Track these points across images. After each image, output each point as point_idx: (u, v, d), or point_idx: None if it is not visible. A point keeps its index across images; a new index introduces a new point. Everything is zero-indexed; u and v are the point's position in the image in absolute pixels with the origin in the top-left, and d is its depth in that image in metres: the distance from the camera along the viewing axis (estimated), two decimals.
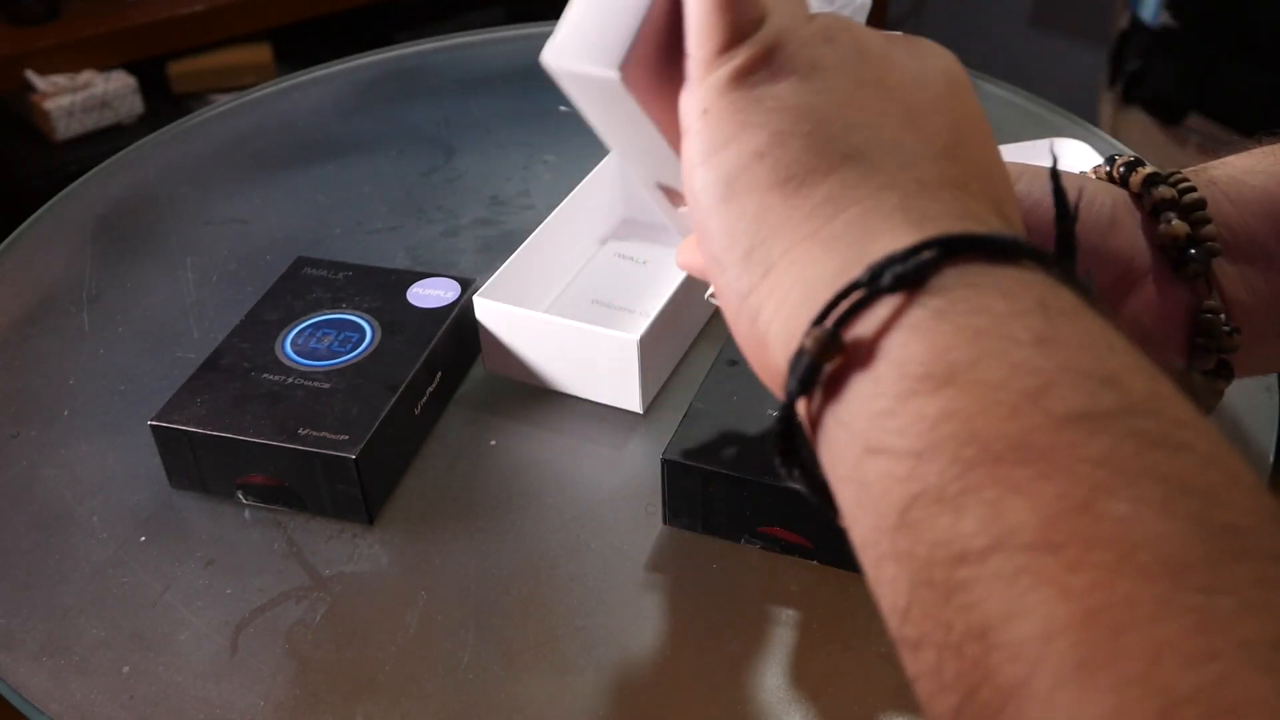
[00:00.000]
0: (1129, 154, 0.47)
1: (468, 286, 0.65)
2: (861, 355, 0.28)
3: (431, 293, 0.65)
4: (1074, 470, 0.24)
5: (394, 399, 0.58)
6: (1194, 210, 0.45)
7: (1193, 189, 0.45)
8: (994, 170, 0.33)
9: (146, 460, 0.60)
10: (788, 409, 0.30)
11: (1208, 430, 0.26)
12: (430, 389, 0.61)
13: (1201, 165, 0.48)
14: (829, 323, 0.28)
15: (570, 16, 0.36)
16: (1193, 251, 0.44)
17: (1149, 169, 0.46)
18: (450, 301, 0.64)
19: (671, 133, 0.37)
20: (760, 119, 0.32)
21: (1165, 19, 1.69)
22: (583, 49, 0.36)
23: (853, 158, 0.31)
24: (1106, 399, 0.25)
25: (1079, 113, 0.88)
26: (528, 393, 0.63)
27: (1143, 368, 0.27)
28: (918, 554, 0.26)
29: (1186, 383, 0.47)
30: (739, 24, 0.33)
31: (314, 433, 0.56)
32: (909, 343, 0.27)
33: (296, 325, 0.63)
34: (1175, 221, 0.44)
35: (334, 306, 0.64)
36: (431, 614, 0.49)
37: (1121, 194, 0.46)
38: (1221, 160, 0.48)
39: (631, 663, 0.51)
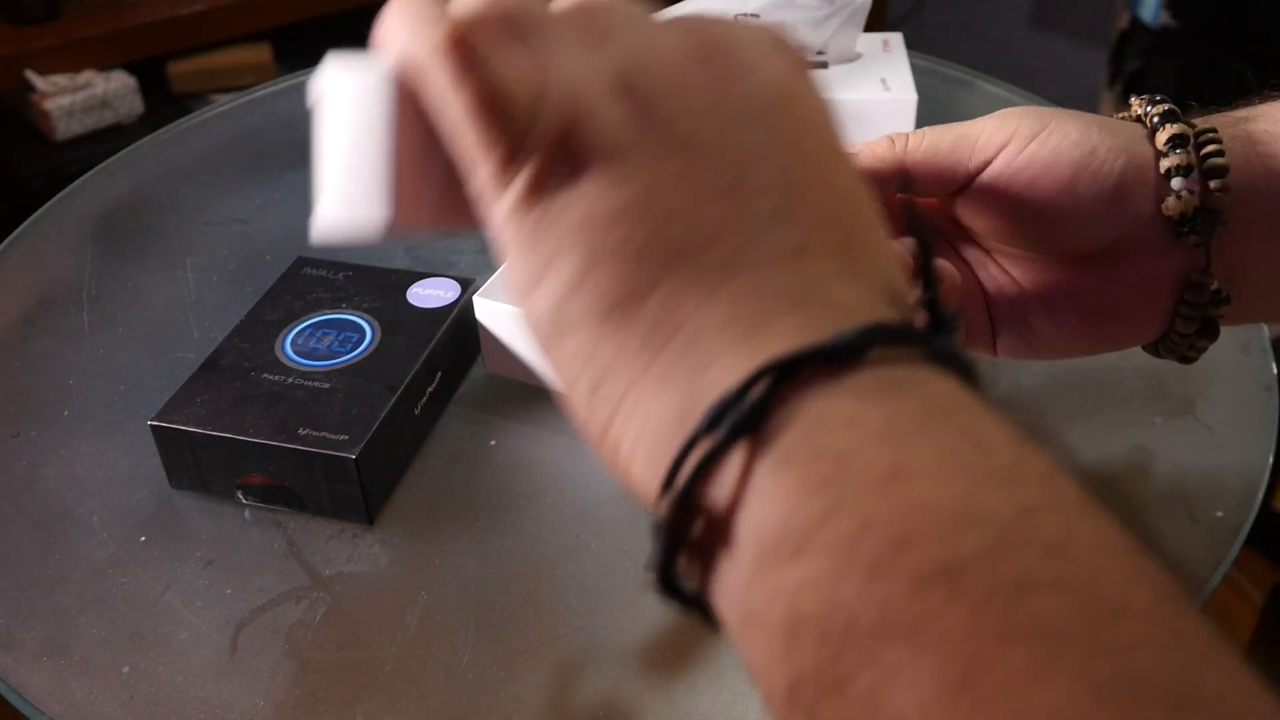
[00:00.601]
0: (1166, 105, 0.46)
1: (468, 286, 0.65)
2: (717, 524, 0.25)
3: (431, 293, 0.65)
4: (943, 647, 0.22)
5: (394, 399, 0.58)
6: (1212, 176, 0.44)
7: (1219, 152, 0.44)
8: (841, 201, 0.29)
9: (146, 460, 0.60)
10: (659, 568, 0.27)
11: (1086, 539, 0.24)
12: (430, 389, 0.61)
13: (1248, 112, 0.46)
14: (679, 483, 0.25)
15: (322, 185, 0.31)
16: (1194, 224, 0.43)
17: (1176, 128, 0.44)
18: (450, 301, 0.64)
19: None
20: (568, 241, 0.27)
21: (1165, 19, 1.69)
22: (341, 214, 0.30)
23: (674, 261, 0.27)
24: (968, 542, 0.23)
25: None
26: (528, 393, 0.63)
27: (1009, 473, 0.25)
28: None
29: (1167, 347, 0.47)
30: (511, 127, 0.27)
31: (314, 433, 0.56)
32: (758, 508, 0.25)
33: (296, 325, 0.63)
34: (1184, 195, 0.43)
35: (334, 306, 0.64)
36: (431, 614, 0.49)
37: (1141, 152, 0.45)
38: (1273, 106, 0.46)
39: (631, 663, 0.51)
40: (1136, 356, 0.66)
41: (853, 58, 0.81)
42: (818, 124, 0.30)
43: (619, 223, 0.27)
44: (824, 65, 0.81)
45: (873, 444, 0.24)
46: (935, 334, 0.27)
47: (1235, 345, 0.67)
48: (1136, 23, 1.74)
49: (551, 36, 0.28)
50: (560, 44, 0.28)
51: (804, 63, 0.30)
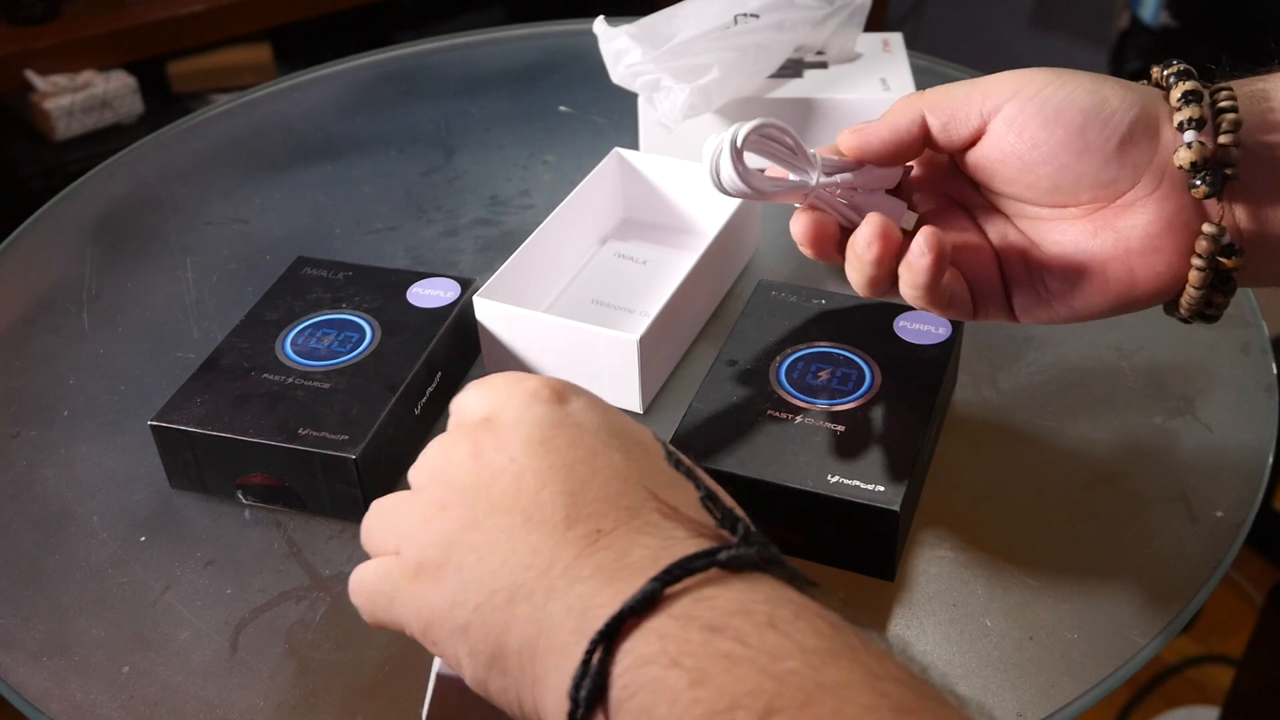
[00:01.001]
0: (1182, 65, 0.47)
1: (468, 286, 0.65)
2: None
3: (431, 293, 0.65)
4: None
5: (394, 399, 0.58)
6: (1225, 132, 0.44)
7: (1232, 107, 0.45)
8: (602, 491, 0.38)
9: (146, 460, 0.60)
10: None
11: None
12: (430, 389, 0.61)
13: (1266, 76, 0.47)
14: None
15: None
16: (1205, 175, 0.44)
17: (1190, 85, 0.45)
18: (450, 301, 0.64)
19: None
20: (411, 610, 0.40)
21: (1165, 19, 1.69)
22: None
23: (502, 596, 0.37)
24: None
25: None
26: None
27: (773, 655, 0.32)
28: None
29: (1185, 307, 0.47)
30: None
31: (314, 433, 0.56)
32: None
33: (296, 325, 0.63)
34: (1195, 145, 0.44)
35: (334, 306, 0.64)
36: None
37: (1153, 107, 0.46)
38: None
39: None
40: (1137, 356, 0.66)
41: (853, 57, 0.81)
42: (571, 437, 0.40)
43: (441, 606, 0.39)
44: (824, 65, 0.81)
45: (660, 706, 0.32)
46: (717, 550, 0.35)
47: (1235, 345, 0.67)
48: (1136, 23, 1.74)
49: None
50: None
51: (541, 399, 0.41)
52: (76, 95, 1.59)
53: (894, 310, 0.61)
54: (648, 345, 0.60)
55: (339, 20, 1.77)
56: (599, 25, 0.75)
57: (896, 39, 0.84)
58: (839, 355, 0.59)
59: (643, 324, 0.60)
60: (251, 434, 0.56)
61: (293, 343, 0.62)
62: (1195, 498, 0.58)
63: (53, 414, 0.65)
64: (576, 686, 0.33)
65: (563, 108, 0.88)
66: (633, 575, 0.35)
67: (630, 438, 0.40)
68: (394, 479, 0.59)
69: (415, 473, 0.42)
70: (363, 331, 0.62)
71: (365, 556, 0.55)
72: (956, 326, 0.60)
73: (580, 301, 0.69)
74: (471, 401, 0.43)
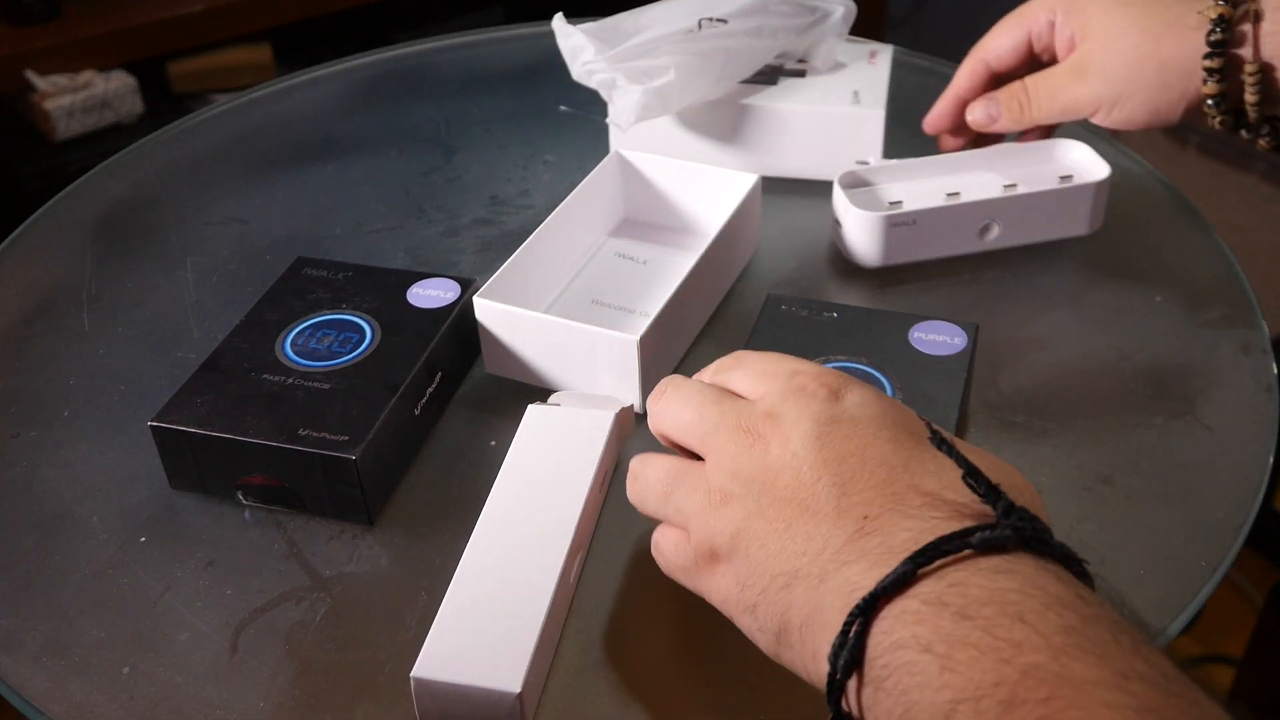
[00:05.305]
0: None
1: (468, 286, 0.65)
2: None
3: (431, 293, 0.65)
4: None
5: (394, 399, 0.58)
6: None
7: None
8: (870, 480, 0.41)
9: (146, 460, 0.60)
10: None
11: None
12: (430, 389, 0.61)
13: None
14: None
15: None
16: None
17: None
18: (450, 301, 0.64)
19: None
20: (722, 585, 0.44)
21: None
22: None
23: (782, 580, 0.41)
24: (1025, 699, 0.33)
25: None
26: (528, 393, 0.63)
27: (1017, 647, 0.34)
28: None
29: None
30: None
31: (314, 433, 0.56)
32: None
33: (296, 325, 0.63)
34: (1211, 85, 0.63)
35: (334, 307, 0.64)
36: (431, 614, 0.49)
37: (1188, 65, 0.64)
38: None
39: (633, 662, 0.51)
40: (1137, 356, 0.66)
41: (835, 67, 0.81)
42: (850, 442, 0.43)
43: (741, 579, 0.43)
44: (802, 74, 0.80)
45: (923, 654, 0.35)
46: (972, 531, 0.38)
47: (1235, 345, 0.67)
48: None
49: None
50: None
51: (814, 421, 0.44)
52: (76, 95, 1.59)
53: (908, 321, 0.61)
54: (648, 345, 0.60)
55: (339, 20, 1.77)
56: (557, 22, 0.75)
57: (885, 52, 0.83)
58: (856, 369, 0.59)
59: (643, 324, 0.60)
60: (251, 434, 0.56)
61: (293, 343, 0.62)
62: (1195, 498, 0.58)
63: (53, 414, 0.65)
64: (835, 654, 0.37)
65: (563, 108, 0.88)
66: (893, 557, 0.38)
67: (900, 426, 0.43)
68: (394, 479, 0.59)
69: (689, 437, 0.47)
70: (363, 332, 0.62)
71: (366, 557, 0.56)
72: (971, 336, 0.60)
73: (580, 302, 0.69)
74: (744, 384, 0.47)
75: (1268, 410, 0.62)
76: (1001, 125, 0.72)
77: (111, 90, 1.62)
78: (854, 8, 0.80)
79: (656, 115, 0.74)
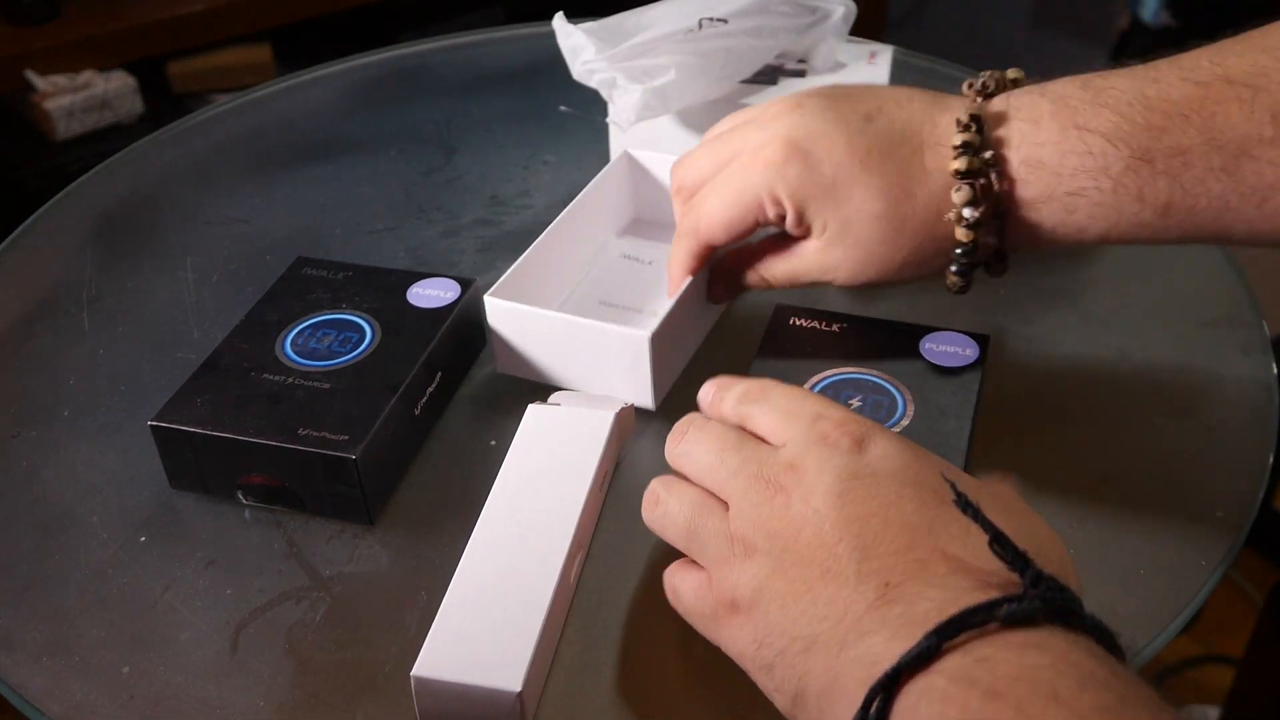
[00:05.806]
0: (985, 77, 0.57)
1: (468, 286, 0.65)
2: None
3: (431, 293, 0.65)
4: None
5: (394, 399, 0.58)
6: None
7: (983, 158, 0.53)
8: (893, 544, 0.40)
9: (146, 460, 0.60)
10: None
11: None
12: (430, 389, 0.61)
13: (1035, 95, 0.54)
14: None
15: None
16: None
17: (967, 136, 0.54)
18: (450, 301, 0.64)
19: None
20: (748, 630, 0.43)
21: (1165, 19, 1.69)
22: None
23: (800, 644, 0.40)
24: None
25: None
26: (528, 392, 0.63)
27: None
28: None
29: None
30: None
31: (314, 433, 0.56)
32: None
33: (296, 325, 0.63)
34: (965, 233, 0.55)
35: (334, 307, 0.64)
36: (431, 614, 0.49)
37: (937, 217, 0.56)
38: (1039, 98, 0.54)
39: (633, 662, 0.51)
40: (1136, 356, 0.66)
41: (835, 68, 0.81)
42: (869, 494, 0.42)
43: (762, 632, 0.42)
44: (802, 74, 0.80)
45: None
46: (995, 605, 0.36)
47: (1235, 345, 0.67)
48: (1136, 22, 1.74)
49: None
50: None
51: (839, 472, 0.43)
52: (76, 95, 1.59)
53: (919, 332, 0.61)
54: (659, 342, 0.60)
55: (339, 20, 1.77)
56: (558, 21, 0.75)
57: (885, 52, 0.83)
58: (868, 381, 0.58)
59: (652, 323, 0.60)
60: (251, 434, 0.56)
61: (293, 343, 0.62)
62: (1195, 498, 0.58)
63: (53, 414, 0.65)
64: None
65: (563, 108, 0.88)
66: (915, 629, 0.36)
67: (924, 485, 0.42)
68: (394, 479, 0.59)
69: (709, 481, 0.46)
70: (363, 331, 0.62)
71: (366, 557, 0.56)
72: (984, 347, 0.60)
73: (588, 303, 0.69)
74: (766, 421, 0.46)
75: (1268, 410, 0.62)
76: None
77: (111, 90, 1.62)
78: (854, 8, 0.79)
79: (657, 115, 0.74)
